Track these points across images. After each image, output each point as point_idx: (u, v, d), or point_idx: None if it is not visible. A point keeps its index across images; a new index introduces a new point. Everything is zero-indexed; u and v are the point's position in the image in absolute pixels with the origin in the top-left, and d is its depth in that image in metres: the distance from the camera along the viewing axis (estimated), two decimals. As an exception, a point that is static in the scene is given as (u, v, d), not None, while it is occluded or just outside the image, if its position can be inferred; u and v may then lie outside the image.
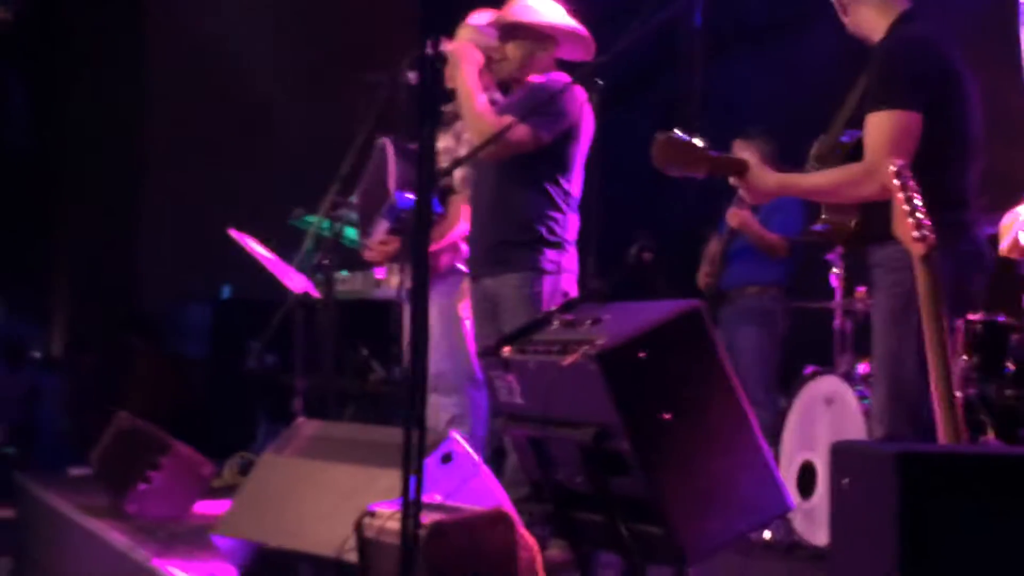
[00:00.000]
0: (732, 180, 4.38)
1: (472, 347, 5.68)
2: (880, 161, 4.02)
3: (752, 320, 6.86)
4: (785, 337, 6.98)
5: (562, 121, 5.24)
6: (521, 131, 5.13)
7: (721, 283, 6.99)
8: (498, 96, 5.83)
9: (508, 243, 5.32)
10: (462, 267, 5.76)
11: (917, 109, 4.09)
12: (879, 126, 4.12)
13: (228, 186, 9.84)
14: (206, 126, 10.03)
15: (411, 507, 3.11)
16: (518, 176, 5.33)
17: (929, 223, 3.64)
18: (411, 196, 5.62)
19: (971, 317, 5.95)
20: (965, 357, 5.95)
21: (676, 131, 4.23)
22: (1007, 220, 5.65)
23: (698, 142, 4.24)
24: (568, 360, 3.95)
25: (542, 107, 5.15)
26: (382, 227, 5.81)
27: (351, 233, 6.53)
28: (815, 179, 4.31)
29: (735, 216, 6.77)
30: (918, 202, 3.65)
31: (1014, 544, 2.39)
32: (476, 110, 5.27)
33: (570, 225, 5.36)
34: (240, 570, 4.90)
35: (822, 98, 8.46)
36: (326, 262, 6.32)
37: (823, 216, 4.38)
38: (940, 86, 4.16)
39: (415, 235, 3.19)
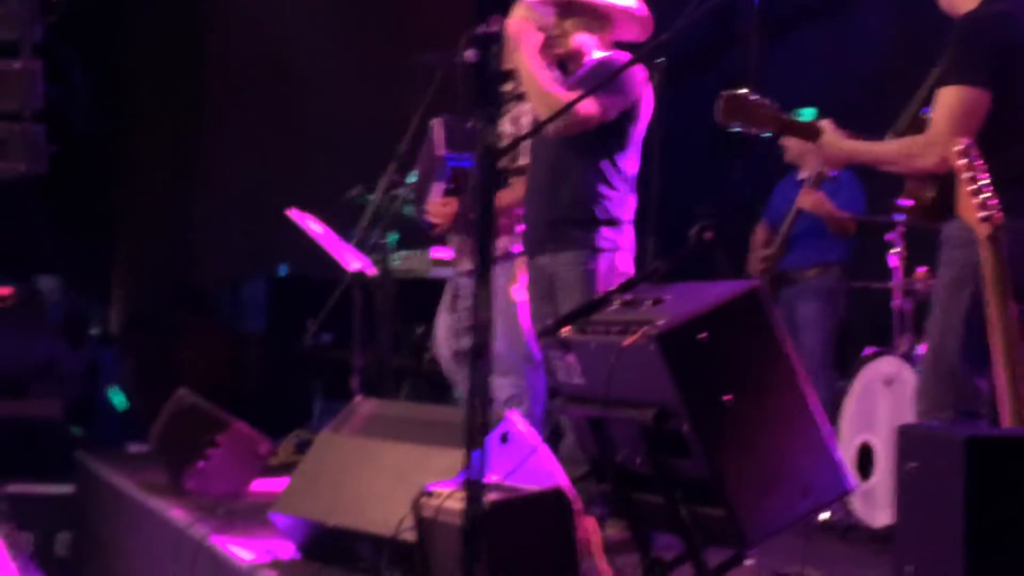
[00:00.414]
0: (798, 146, 4.36)
1: (527, 327, 5.68)
2: (941, 135, 4.01)
3: (815, 298, 6.82)
4: (844, 317, 6.94)
5: (625, 99, 5.22)
6: (589, 105, 5.10)
7: (783, 263, 6.95)
8: (557, 73, 5.81)
9: (563, 221, 5.30)
10: (516, 251, 5.76)
11: (985, 86, 4.07)
12: (946, 101, 4.11)
13: (286, 165, 9.88)
14: (265, 107, 10.08)
15: (474, 486, 3.11)
16: (574, 154, 5.31)
17: (996, 202, 3.60)
18: (461, 156, 5.65)
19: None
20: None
21: (745, 90, 4.23)
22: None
23: (769, 102, 4.24)
24: (628, 340, 3.94)
25: (606, 83, 5.11)
26: (438, 189, 5.82)
27: (408, 211, 6.53)
28: (881, 148, 4.33)
29: (808, 197, 6.71)
30: (984, 181, 3.61)
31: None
32: (542, 86, 5.23)
33: (627, 204, 5.34)
34: (299, 548, 4.92)
35: (877, 75, 8.47)
36: (383, 241, 6.32)
37: (907, 188, 4.38)
38: (1014, 63, 4.12)
39: (478, 218, 3.18)
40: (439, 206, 5.94)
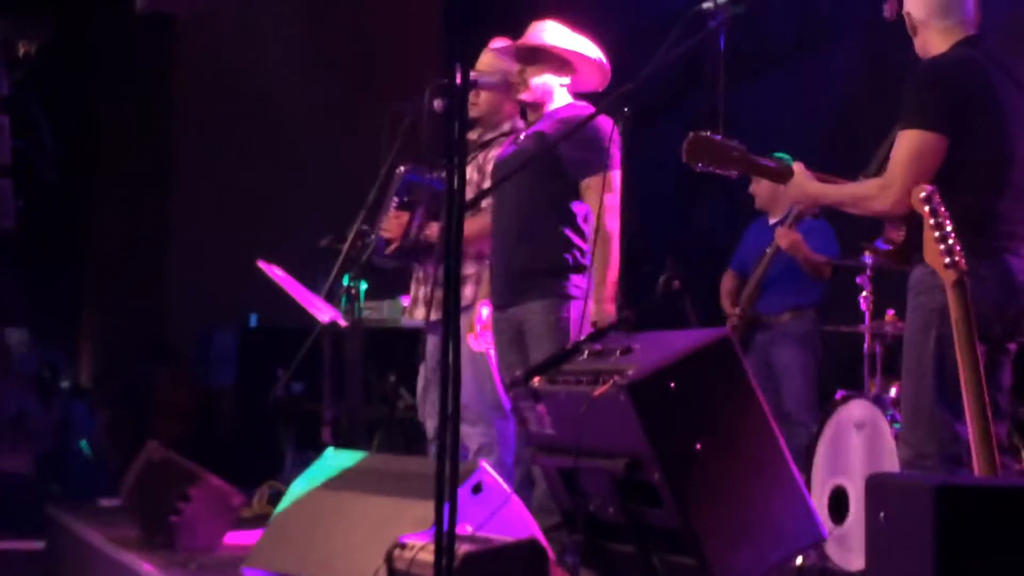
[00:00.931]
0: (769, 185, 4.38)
1: (496, 376, 5.68)
2: (896, 178, 4.04)
3: (791, 344, 6.84)
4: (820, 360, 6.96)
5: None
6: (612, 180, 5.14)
7: (758, 307, 6.97)
8: (519, 123, 5.84)
9: (532, 271, 5.30)
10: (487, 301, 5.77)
11: (942, 131, 4.09)
12: (902, 144, 4.13)
13: (256, 215, 9.87)
14: (235, 156, 10.08)
15: (445, 539, 3.10)
16: (543, 200, 5.33)
17: (960, 249, 3.62)
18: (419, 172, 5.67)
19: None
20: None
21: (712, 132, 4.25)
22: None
23: (736, 144, 4.25)
24: (599, 391, 3.94)
25: (597, 146, 5.16)
26: (392, 203, 5.84)
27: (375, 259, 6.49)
28: (840, 191, 4.33)
29: (786, 237, 6.72)
30: (949, 228, 3.63)
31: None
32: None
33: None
34: (271, 602, 4.89)
35: (845, 117, 8.52)
36: (353, 291, 6.31)
37: (885, 231, 4.37)
38: (973, 109, 4.14)
39: (446, 265, 3.19)
40: (391, 219, 5.94)
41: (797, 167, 4.34)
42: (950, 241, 3.62)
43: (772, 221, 7.10)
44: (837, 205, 4.40)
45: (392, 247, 6.00)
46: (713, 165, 4.25)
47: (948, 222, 3.64)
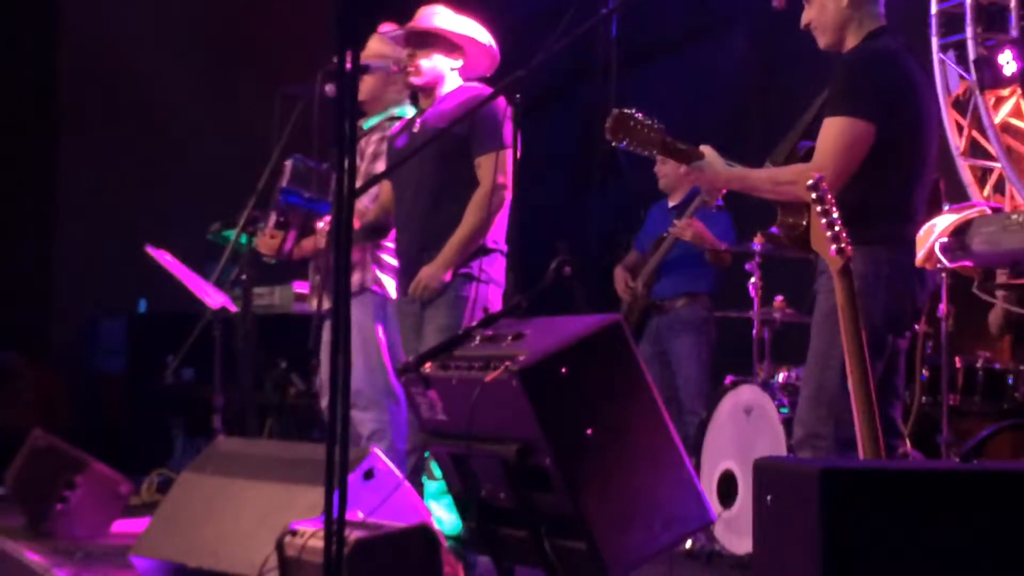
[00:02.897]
0: (681, 170, 4.37)
1: (389, 362, 5.68)
2: (827, 165, 4.07)
3: (688, 330, 6.89)
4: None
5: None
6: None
7: (654, 293, 7.01)
8: (408, 109, 5.83)
9: (428, 251, 5.31)
10: (376, 288, 5.76)
11: (872, 120, 4.13)
12: (833, 131, 4.15)
13: (145, 200, 9.73)
14: (123, 141, 9.91)
15: (334, 525, 3.09)
16: (443, 186, 5.33)
17: (846, 236, 3.66)
18: (297, 192, 5.70)
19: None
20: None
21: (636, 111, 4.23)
22: (923, 232, 5.73)
23: (656, 124, 4.24)
24: (490, 376, 3.94)
25: (491, 125, 5.17)
26: (271, 220, 5.84)
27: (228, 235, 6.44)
28: (757, 175, 4.33)
29: (689, 227, 6.75)
30: (835, 215, 3.67)
31: (935, 560, 2.41)
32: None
33: (500, 232, 5.36)
34: (159, 591, 4.84)
35: (738, 105, 8.60)
36: (244, 277, 6.26)
37: (779, 219, 4.38)
38: (898, 99, 4.19)
39: (335, 253, 3.17)
40: (266, 238, 5.95)
41: (708, 150, 4.31)
42: (836, 228, 3.65)
43: (671, 204, 7.13)
44: (751, 189, 4.35)
45: (266, 259, 6.06)
46: (632, 143, 4.22)
47: (835, 209, 3.67)
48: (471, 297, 5.25)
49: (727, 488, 6.09)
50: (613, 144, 4.26)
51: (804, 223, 4.21)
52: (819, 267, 4.27)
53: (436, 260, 5.25)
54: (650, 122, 4.24)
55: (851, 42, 4.33)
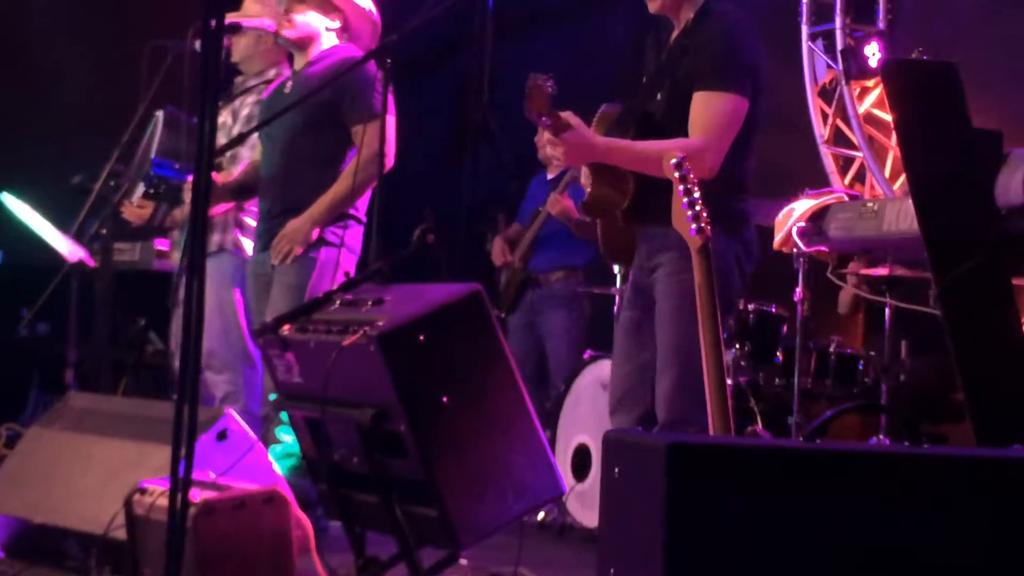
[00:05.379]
0: (548, 139, 4.24)
1: (245, 326, 5.64)
2: (712, 142, 4.01)
3: (559, 305, 6.93)
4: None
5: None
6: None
7: (531, 266, 7.04)
8: (286, 70, 5.78)
9: (290, 213, 5.28)
10: (236, 250, 5.72)
11: (747, 95, 4.09)
12: (716, 107, 4.06)
13: (2, 148, 9.51)
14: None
15: (180, 485, 3.05)
16: (308, 149, 5.31)
17: (707, 215, 3.68)
18: (168, 164, 5.63)
19: (746, 307, 6.12)
20: (737, 346, 6.12)
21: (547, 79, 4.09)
22: (781, 216, 5.82)
23: (549, 91, 4.02)
24: (348, 340, 3.94)
25: (367, 92, 5.12)
26: (140, 190, 5.78)
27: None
28: (631, 146, 4.12)
29: (557, 203, 6.77)
30: (697, 194, 3.69)
31: (779, 537, 2.44)
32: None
33: (361, 200, 5.34)
34: (2, 547, 4.76)
35: (611, 80, 8.63)
36: (104, 231, 6.16)
37: (590, 189, 4.25)
38: (760, 75, 4.16)
39: (193, 211, 3.13)
40: (135, 209, 5.89)
41: (574, 119, 4.08)
42: (697, 208, 3.67)
43: (550, 176, 7.16)
44: (629, 162, 4.12)
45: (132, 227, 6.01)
46: (535, 110, 4.07)
47: (696, 189, 3.69)
48: (321, 259, 5.24)
49: (581, 461, 6.15)
50: (529, 109, 4.03)
51: (626, 197, 4.13)
52: (653, 242, 4.18)
53: (303, 215, 5.22)
54: (547, 92, 4.09)
55: (688, 7, 4.21)
